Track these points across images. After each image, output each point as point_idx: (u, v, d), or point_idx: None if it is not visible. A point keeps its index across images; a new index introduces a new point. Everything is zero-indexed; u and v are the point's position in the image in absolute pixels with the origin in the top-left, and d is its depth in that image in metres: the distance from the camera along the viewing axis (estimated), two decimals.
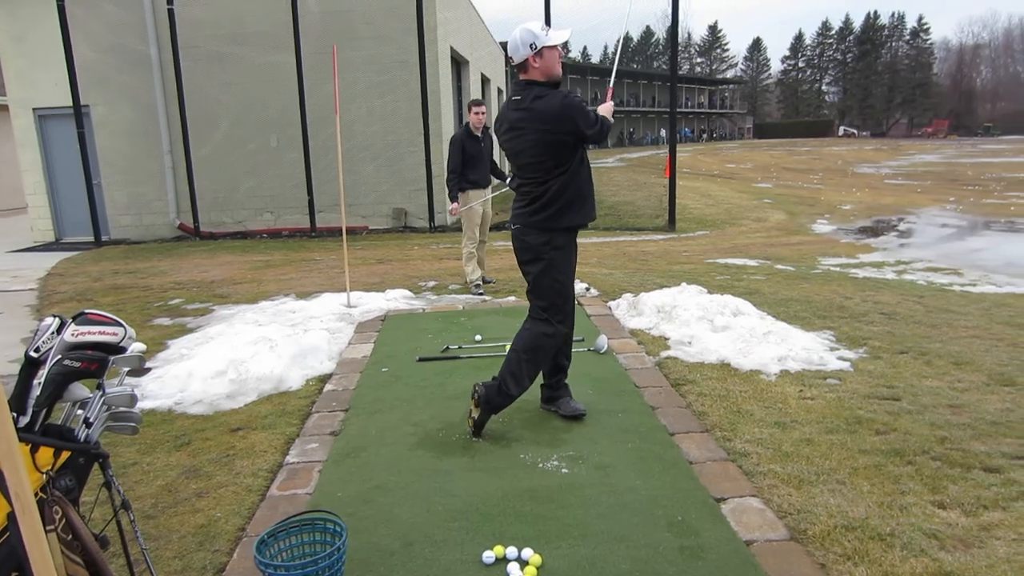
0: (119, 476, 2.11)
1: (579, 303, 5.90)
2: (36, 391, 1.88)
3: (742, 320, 5.17)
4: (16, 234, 13.66)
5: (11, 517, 1.56)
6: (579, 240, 3.67)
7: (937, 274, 8.38)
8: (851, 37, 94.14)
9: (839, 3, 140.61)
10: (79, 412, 2.00)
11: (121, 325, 2.00)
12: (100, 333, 1.97)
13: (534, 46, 3.33)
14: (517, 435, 3.57)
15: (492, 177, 7.08)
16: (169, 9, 11.97)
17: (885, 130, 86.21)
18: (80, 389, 1.99)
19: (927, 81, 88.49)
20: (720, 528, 2.67)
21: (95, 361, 1.94)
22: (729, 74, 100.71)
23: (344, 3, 12.04)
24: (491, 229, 7.47)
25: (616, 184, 19.74)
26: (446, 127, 12.71)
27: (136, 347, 2.18)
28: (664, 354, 4.80)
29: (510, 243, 3.67)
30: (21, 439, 1.64)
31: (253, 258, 10.10)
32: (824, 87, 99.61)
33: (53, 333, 1.95)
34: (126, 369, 2.09)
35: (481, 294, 6.83)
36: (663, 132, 60.41)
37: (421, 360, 4.84)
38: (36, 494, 1.69)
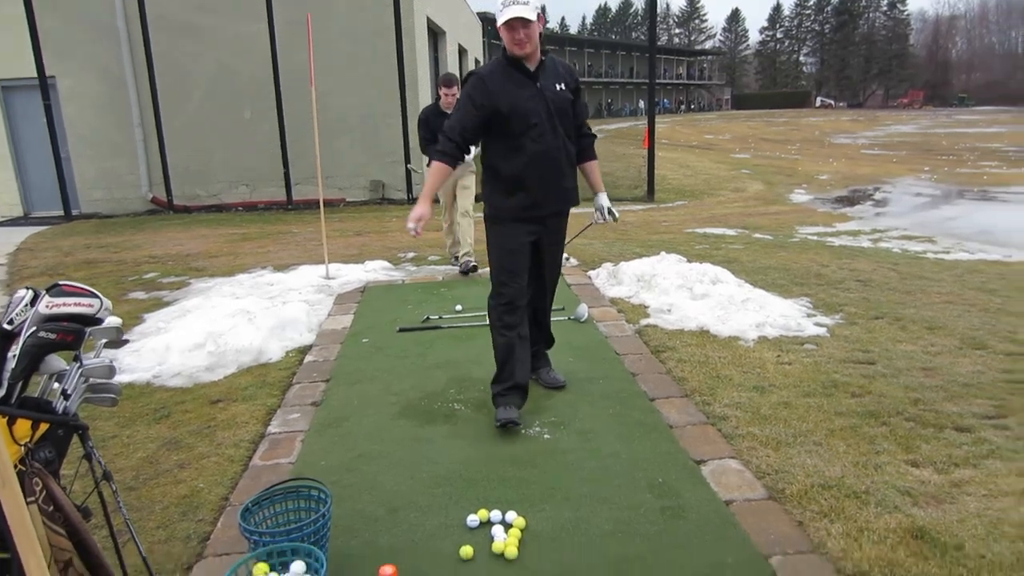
0: (99, 449, 2.09)
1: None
2: (11, 363, 1.84)
3: (721, 288, 5.22)
4: None
5: None
6: None
7: (911, 242, 8.51)
8: (829, 8, 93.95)
9: None
10: (56, 385, 1.97)
11: (96, 296, 1.97)
12: (75, 304, 1.93)
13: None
14: None
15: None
16: None
17: (862, 101, 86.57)
18: (57, 361, 1.96)
19: (903, 52, 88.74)
20: (700, 489, 2.72)
21: (71, 333, 1.91)
22: (707, 45, 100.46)
23: None
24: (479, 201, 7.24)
25: None
26: (423, 98, 12.53)
27: (112, 320, 2.15)
28: (644, 322, 4.83)
29: None
30: None
31: (229, 231, 9.96)
32: (802, 58, 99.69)
33: (27, 305, 1.91)
34: (103, 341, 2.05)
35: (459, 268, 6.73)
36: (642, 103, 60.27)
37: (401, 331, 4.83)
38: (15, 466, 1.67)
